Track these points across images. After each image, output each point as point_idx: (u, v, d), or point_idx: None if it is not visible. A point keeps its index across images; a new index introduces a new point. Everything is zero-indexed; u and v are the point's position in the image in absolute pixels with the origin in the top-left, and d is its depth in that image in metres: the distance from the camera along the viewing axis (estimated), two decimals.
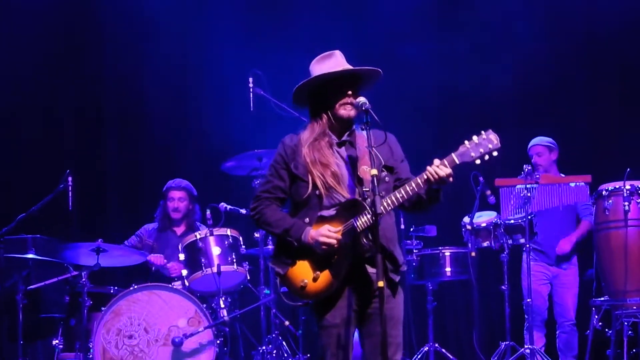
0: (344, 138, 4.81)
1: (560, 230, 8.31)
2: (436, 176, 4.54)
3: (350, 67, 4.83)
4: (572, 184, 7.90)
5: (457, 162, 4.60)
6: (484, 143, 4.60)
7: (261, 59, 9.13)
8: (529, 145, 8.46)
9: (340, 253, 4.62)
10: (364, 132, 4.69)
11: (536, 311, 8.03)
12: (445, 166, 4.56)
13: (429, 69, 9.70)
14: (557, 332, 8.31)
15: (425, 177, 4.57)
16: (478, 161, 4.61)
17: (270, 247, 7.69)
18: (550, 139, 8.44)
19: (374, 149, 4.61)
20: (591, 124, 9.70)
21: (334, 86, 4.79)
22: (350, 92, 4.75)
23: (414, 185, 4.61)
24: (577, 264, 8.34)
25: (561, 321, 8.28)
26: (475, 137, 4.62)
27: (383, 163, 4.73)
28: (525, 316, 7.91)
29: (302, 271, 4.70)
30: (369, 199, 4.52)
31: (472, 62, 9.90)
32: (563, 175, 8.16)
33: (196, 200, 8.37)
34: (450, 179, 4.57)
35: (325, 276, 4.65)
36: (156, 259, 8.02)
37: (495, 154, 4.62)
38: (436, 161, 4.58)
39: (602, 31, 9.67)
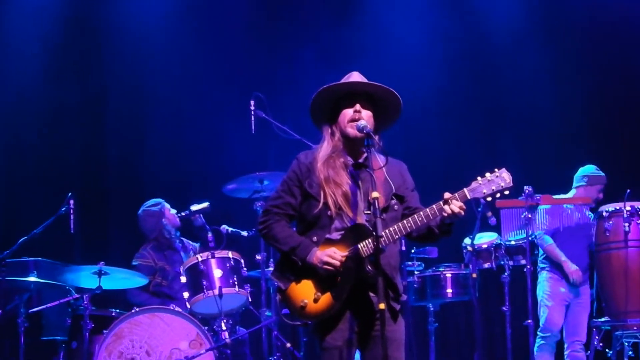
0: (360, 160, 4.80)
1: (582, 250, 8.14)
2: (450, 211, 4.55)
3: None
4: (571, 206, 7.93)
5: (469, 197, 4.61)
6: (496, 180, 4.62)
7: (263, 81, 9.17)
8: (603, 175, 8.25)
9: (344, 276, 4.62)
10: (382, 157, 4.71)
11: (554, 332, 7.98)
12: (457, 200, 4.57)
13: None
14: (568, 352, 8.09)
15: (437, 210, 4.58)
16: (489, 198, 4.64)
17: (272, 268, 7.70)
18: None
19: (386, 175, 4.65)
20: (593, 144, 9.72)
21: (345, 101, 4.77)
22: (358, 106, 4.72)
23: (423, 216, 4.61)
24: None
25: (573, 340, 8.08)
26: (488, 174, 4.64)
27: (394, 191, 4.74)
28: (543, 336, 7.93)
29: (304, 290, 4.70)
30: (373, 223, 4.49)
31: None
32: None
33: None
34: (463, 213, 4.58)
35: (326, 298, 4.65)
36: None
37: (506, 192, 4.63)
38: (447, 194, 4.58)
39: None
